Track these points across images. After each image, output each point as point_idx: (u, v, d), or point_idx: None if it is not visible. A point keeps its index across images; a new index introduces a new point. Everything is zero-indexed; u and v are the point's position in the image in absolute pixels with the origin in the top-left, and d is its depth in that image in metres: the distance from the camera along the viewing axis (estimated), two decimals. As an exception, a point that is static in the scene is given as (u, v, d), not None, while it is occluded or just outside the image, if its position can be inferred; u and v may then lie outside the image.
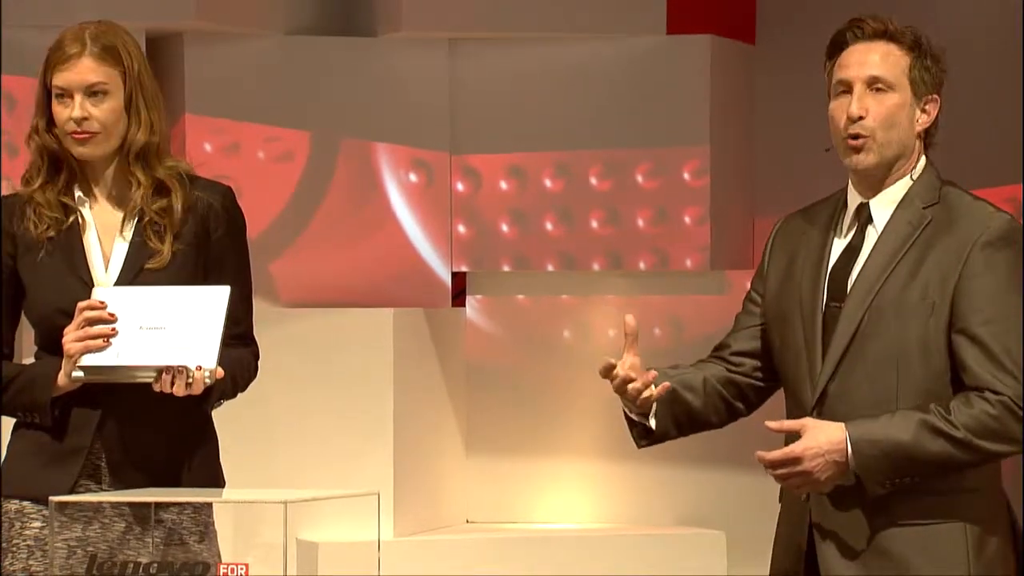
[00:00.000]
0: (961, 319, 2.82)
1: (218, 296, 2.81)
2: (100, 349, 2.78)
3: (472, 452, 4.81)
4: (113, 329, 2.79)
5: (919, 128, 2.93)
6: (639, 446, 2.95)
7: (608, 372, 2.76)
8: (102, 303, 2.80)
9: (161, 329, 2.79)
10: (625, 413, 2.89)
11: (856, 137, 2.94)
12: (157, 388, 2.71)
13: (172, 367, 2.72)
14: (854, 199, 2.95)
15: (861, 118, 2.92)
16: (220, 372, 2.73)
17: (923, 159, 2.97)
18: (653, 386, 2.79)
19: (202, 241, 2.90)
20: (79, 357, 2.77)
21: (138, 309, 2.81)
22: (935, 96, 2.92)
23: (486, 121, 4.77)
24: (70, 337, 2.78)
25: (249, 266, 3.01)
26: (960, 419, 2.76)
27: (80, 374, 2.77)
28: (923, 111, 2.92)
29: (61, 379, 2.80)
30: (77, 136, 2.88)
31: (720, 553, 4.66)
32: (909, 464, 2.80)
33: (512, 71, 4.75)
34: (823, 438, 2.77)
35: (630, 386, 2.76)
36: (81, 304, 2.80)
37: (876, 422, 2.82)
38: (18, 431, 2.94)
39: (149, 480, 2.84)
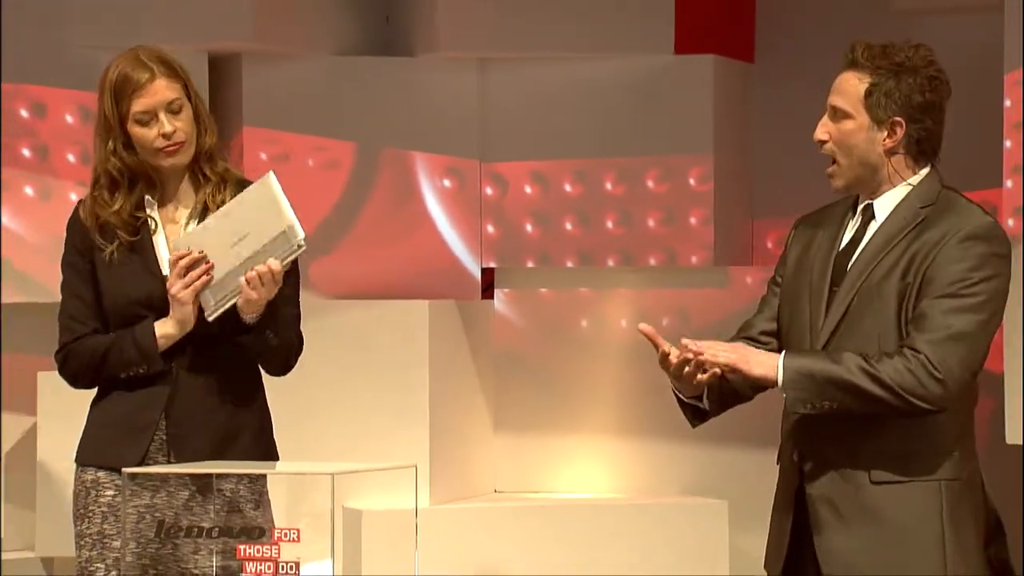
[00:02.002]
0: (920, 298, 2.81)
1: (269, 182, 2.80)
2: (207, 285, 2.81)
3: (499, 429, 4.80)
4: (208, 263, 2.80)
5: (883, 148, 2.89)
6: (693, 426, 2.95)
7: (665, 359, 2.76)
8: (189, 249, 2.82)
9: (246, 235, 2.80)
10: (677, 397, 2.88)
11: (831, 162, 2.94)
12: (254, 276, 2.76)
13: (274, 238, 2.77)
14: (862, 199, 2.94)
15: (823, 142, 2.93)
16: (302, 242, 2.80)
17: (926, 168, 2.94)
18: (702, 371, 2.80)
19: None
20: (192, 300, 2.81)
21: (219, 236, 2.82)
22: (899, 119, 2.87)
23: (512, 132, 4.74)
24: (177, 287, 2.80)
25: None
26: (882, 366, 2.76)
27: (217, 311, 2.80)
28: (890, 132, 2.88)
29: (172, 327, 2.83)
30: (169, 150, 2.87)
31: (722, 520, 4.62)
32: (832, 389, 2.78)
33: (536, 87, 4.73)
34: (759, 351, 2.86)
35: (686, 370, 2.75)
36: (172, 258, 2.82)
37: (811, 352, 2.84)
38: (95, 407, 2.95)
39: (210, 453, 2.85)
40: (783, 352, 2.83)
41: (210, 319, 2.80)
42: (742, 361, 2.80)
